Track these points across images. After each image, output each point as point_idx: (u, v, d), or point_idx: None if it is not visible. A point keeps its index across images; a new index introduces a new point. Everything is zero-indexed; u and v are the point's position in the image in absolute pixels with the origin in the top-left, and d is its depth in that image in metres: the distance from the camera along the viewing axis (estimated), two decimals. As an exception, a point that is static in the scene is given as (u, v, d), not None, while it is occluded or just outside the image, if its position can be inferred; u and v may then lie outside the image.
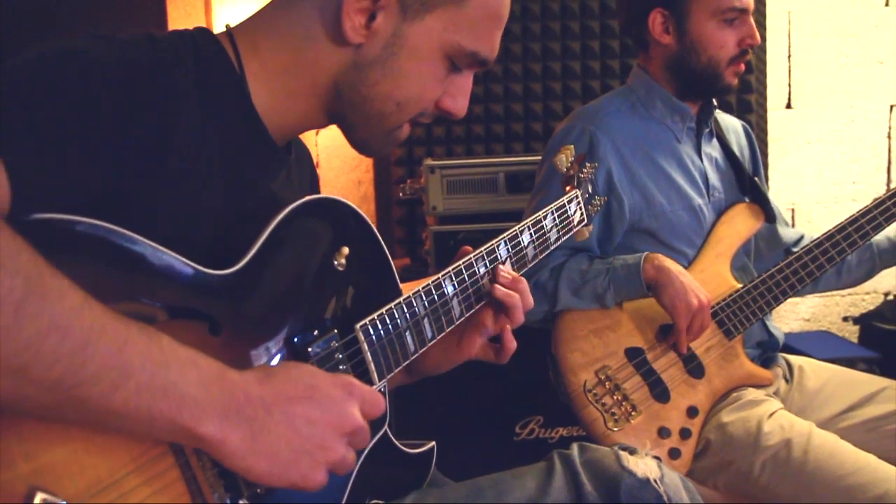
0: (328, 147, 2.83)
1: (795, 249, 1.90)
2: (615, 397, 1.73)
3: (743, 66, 1.84)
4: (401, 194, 2.43)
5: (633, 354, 1.76)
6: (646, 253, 1.74)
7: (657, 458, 1.08)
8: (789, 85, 2.75)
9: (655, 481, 1.02)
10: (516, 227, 1.25)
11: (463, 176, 2.35)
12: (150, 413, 0.70)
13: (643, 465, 1.03)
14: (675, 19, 1.80)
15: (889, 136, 2.78)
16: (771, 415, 1.74)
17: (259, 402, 0.77)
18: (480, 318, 1.15)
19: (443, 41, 0.98)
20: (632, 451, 1.06)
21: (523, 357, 2.06)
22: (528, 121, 2.67)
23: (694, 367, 1.79)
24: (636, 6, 1.85)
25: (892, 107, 2.77)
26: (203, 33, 0.98)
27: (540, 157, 2.34)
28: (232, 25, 1.02)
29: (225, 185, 0.93)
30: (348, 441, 0.83)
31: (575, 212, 1.39)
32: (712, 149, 1.95)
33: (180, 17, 2.83)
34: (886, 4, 2.74)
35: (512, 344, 1.16)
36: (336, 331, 0.95)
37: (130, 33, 0.91)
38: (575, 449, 1.09)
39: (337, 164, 2.84)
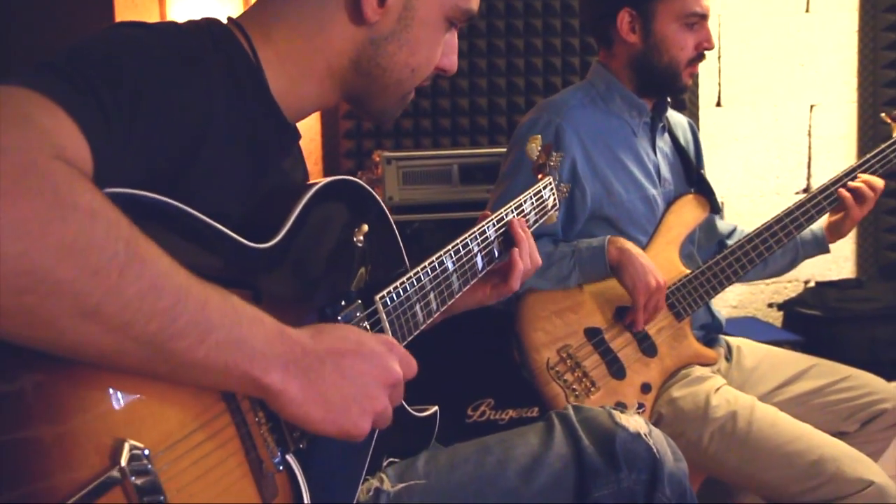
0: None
1: (730, 242, 2.04)
2: (576, 374, 1.84)
3: (697, 68, 1.98)
4: (359, 185, 2.48)
5: (592, 334, 1.87)
6: (609, 236, 1.86)
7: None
8: (719, 84, 2.92)
9: (645, 435, 1.12)
10: (502, 210, 1.34)
11: (418, 167, 2.42)
12: (226, 365, 0.76)
13: (634, 422, 1.13)
14: (641, 20, 1.92)
15: (809, 134, 2.97)
16: (717, 390, 1.87)
17: (314, 354, 0.84)
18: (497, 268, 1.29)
19: (444, 5, 1.07)
20: (621, 410, 1.16)
21: (477, 338, 2.16)
22: (493, 114, 2.76)
23: (647, 347, 1.91)
24: (605, 5, 1.96)
25: (812, 107, 2.96)
26: (215, 24, 1.03)
27: (492, 150, 2.45)
28: (202, 17, 1.05)
29: (250, 164, 0.99)
30: (391, 390, 0.90)
31: (549, 197, 1.48)
32: (664, 143, 2.08)
33: (127, 7, 2.82)
34: (807, 10, 2.94)
35: (514, 286, 1.31)
36: (360, 301, 1.02)
37: (160, 22, 0.96)
38: (570, 409, 1.18)
39: (287, 155, 2.87)
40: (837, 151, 2.98)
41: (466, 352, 2.30)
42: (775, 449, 1.76)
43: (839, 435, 1.92)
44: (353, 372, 0.86)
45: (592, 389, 1.84)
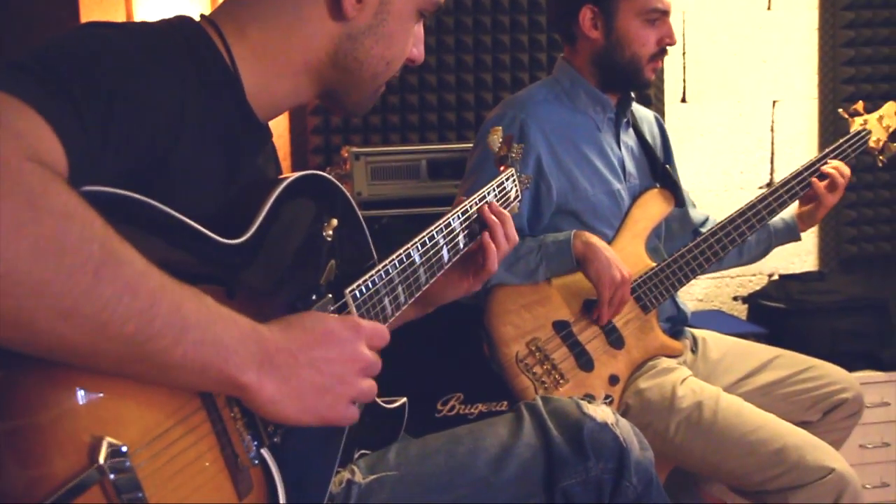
0: (246, 134, 2.85)
1: (703, 230, 2.08)
2: (545, 367, 1.86)
3: (660, 63, 2.01)
4: (328, 180, 2.48)
5: (561, 327, 1.89)
6: (574, 230, 1.88)
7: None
8: (684, 81, 2.96)
9: (612, 425, 1.15)
10: (466, 202, 1.35)
11: (387, 163, 2.43)
12: (203, 365, 0.77)
13: (601, 412, 1.16)
14: (603, 16, 1.94)
15: (772, 130, 3.02)
16: (683, 381, 1.91)
17: (287, 351, 0.85)
18: (472, 255, 1.32)
19: None
20: (589, 400, 1.18)
21: (446, 334, 2.17)
22: (460, 110, 2.77)
23: (615, 339, 1.94)
24: (568, 2, 1.98)
25: (774, 102, 3.01)
26: (188, 22, 1.03)
27: (459, 146, 2.46)
28: (174, 15, 1.05)
29: (223, 162, 1.00)
30: (364, 374, 0.92)
31: (511, 188, 1.50)
32: (629, 138, 2.11)
33: (93, 3, 2.79)
34: (769, 8, 2.98)
35: (493, 268, 1.33)
36: (330, 295, 1.03)
37: (132, 22, 0.96)
38: (539, 400, 1.20)
39: (255, 151, 2.86)
40: (799, 146, 3.03)
41: (436, 347, 2.32)
42: (740, 438, 1.79)
43: (802, 424, 1.96)
44: (325, 362, 0.88)
45: (561, 382, 1.86)
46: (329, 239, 1.05)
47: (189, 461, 0.80)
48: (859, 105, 2.22)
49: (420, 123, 2.78)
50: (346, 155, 2.43)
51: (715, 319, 2.78)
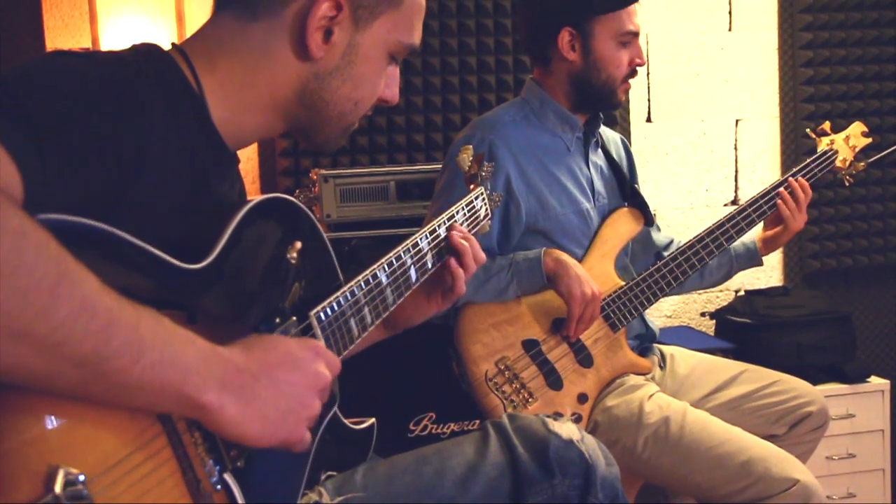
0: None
1: (666, 253, 2.10)
2: (514, 385, 1.87)
3: (630, 85, 2.04)
4: (296, 203, 2.48)
5: (530, 346, 1.91)
6: (544, 248, 1.90)
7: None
8: (649, 101, 3.00)
9: (578, 441, 1.16)
10: (434, 222, 1.36)
11: (355, 184, 2.44)
12: (161, 385, 0.77)
13: (566, 429, 1.17)
14: (581, 38, 1.97)
15: (736, 148, 3.07)
16: (650, 397, 1.93)
17: (248, 372, 0.86)
18: (440, 276, 1.32)
19: (388, 41, 1.10)
20: (555, 418, 1.19)
21: (417, 353, 2.18)
22: (429, 131, 2.79)
23: (583, 358, 1.95)
24: (546, 24, 2.01)
25: (737, 121, 3.06)
26: (155, 51, 1.03)
27: (427, 167, 2.48)
28: (143, 42, 1.06)
29: (187, 189, 1.00)
30: (321, 395, 0.93)
31: (481, 207, 1.52)
32: (598, 158, 2.13)
33: (58, 27, 2.78)
34: (730, 29, 3.04)
35: (461, 290, 1.35)
36: (294, 318, 1.03)
37: (97, 51, 0.97)
38: (505, 418, 1.21)
39: (223, 174, 2.86)
40: (762, 164, 3.08)
41: (408, 367, 2.32)
42: (706, 452, 1.81)
43: (769, 438, 1.99)
44: (286, 383, 0.89)
45: (530, 400, 1.87)
46: (293, 261, 1.05)
47: (149, 487, 0.80)
48: (826, 125, 2.26)
49: (388, 145, 2.80)
50: (315, 177, 2.44)
51: (683, 335, 2.81)
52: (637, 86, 2.96)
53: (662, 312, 3.04)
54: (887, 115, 3.07)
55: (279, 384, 0.88)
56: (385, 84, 1.14)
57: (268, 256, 1.03)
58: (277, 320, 1.01)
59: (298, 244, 1.06)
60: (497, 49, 2.81)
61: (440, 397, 2.40)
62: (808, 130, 2.33)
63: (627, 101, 2.94)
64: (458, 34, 2.79)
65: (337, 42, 1.06)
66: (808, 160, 2.20)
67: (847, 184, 2.29)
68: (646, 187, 2.30)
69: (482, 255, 1.38)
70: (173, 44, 1.06)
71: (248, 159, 2.81)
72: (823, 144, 2.24)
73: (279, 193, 1.07)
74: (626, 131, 2.93)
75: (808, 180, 2.14)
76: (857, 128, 2.25)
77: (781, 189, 2.10)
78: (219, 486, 0.90)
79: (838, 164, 2.22)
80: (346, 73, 1.08)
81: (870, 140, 2.25)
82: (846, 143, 2.23)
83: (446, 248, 1.34)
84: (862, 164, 2.24)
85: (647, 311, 2.11)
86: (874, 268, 3.11)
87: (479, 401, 1.87)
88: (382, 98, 1.15)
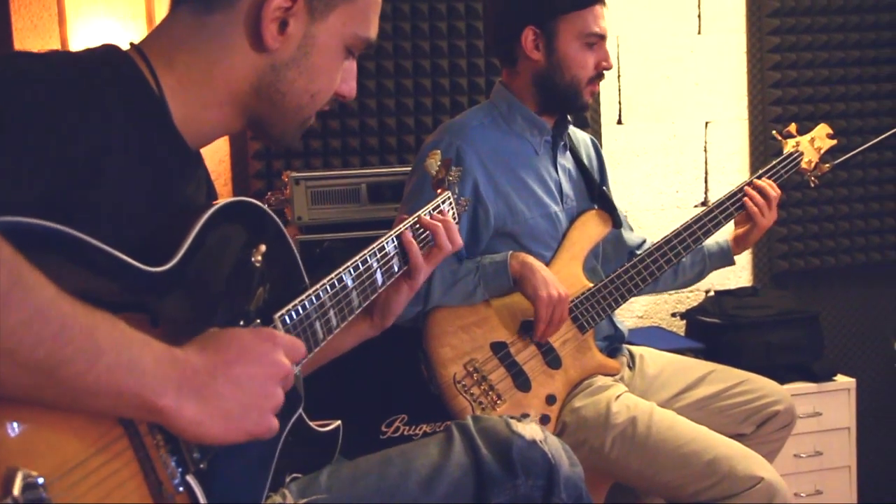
0: (186, 160, 2.84)
1: (639, 252, 2.13)
2: (482, 387, 1.89)
3: (597, 88, 2.06)
4: (266, 206, 2.48)
5: (498, 348, 1.92)
6: (511, 251, 1.91)
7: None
8: (619, 103, 3.03)
9: (541, 442, 1.17)
10: (401, 226, 1.38)
11: (327, 187, 2.44)
12: (118, 389, 0.77)
13: (530, 430, 1.18)
14: (545, 37, 1.98)
15: (706, 150, 3.10)
16: (618, 397, 1.94)
17: (205, 371, 0.86)
18: (415, 263, 1.36)
19: (344, 34, 1.11)
20: (519, 419, 1.21)
21: (389, 356, 2.19)
22: (401, 134, 2.80)
23: (552, 359, 1.97)
24: (510, 23, 2.02)
25: (707, 123, 3.10)
26: (114, 51, 1.04)
27: (399, 169, 2.49)
28: (102, 43, 1.06)
29: (150, 191, 1.01)
30: (283, 383, 0.94)
31: (448, 211, 1.53)
32: (566, 160, 2.15)
33: (27, 28, 2.76)
34: (699, 33, 3.07)
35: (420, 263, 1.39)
36: (259, 321, 1.04)
37: (55, 52, 0.97)
38: (469, 419, 1.23)
39: (195, 177, 2.85)
40: (731, 166, 3.12)
41: (379, 369, 2.33)
42: (673, 451, 1.84)
43: (737, 437, 2.01)
44: (246, 377, 0.89)
45: (499, 402, 1.89)
46: (257, 265, 1.06)
47: (110, 490, 0.80)
48: (792, 127, 2.30)
49: (361, 147, 2.80)
50: (287, 179, 2.44)
51: (654, 336, 2.83)
52: (608, 88, 2.98)
53: (634, 313, 3.06)
54: (853, 117, 3.12)
55: (238, 379, 0.88)
56: (342, 78, 1.15)
57: (232, 260, 1.04)
58: (241, 323, 1.02)
59: (263, 247, 1.07)
60: (469, 52, 2.83)
61: (412, 399, 2.40)
62: (774, 133, 2.37)
63: (598, 103, 2.97)
64: (430, 37, 2.80)
65: (292, 33, 1.06)
66: (775, 161, 2.23)
67: (813, 185, 2.33)
68: (617, 189, 2.32)
69: (459, 241, 1.43)
70: (131, 43, 1.07)
71: (221, 162, 2.81)
72: (789, 146, 2.27)
73: (244, 197, 1.08)
74: (597, 133, 2.95)
75: (774, 181, 2.17)
76: (822, 130, 2.28)
77: (748, 188, 2.13)
78: (181, 488, 0.90)
79: (804, 165, 2.26)
80: (302, 64, 1.08)
81: (835, 142, 2.29)
82: (811, 144, 2.27)
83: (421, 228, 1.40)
84: (827, 165, 2.28)
85: (619, 311, 2.13)
86: (841, 268, 3.15)
87: (448, 403, 1.88)
88: (339, 92, 1.16)
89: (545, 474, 1.17)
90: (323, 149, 2.79)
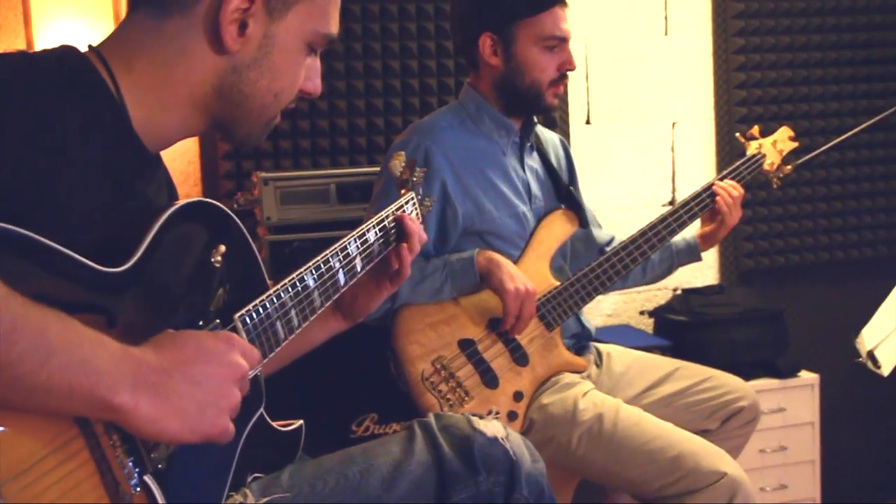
0: (154, 161, 2.82)
1: (607, 249, 2.15)
2: (450, 384, 1.90)
3: (561, 89, 2.07)
4: (235, 206, 2.48)
5: (466, 345, 1.93)
6: (478, 249, 1.93)
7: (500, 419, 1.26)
8: (588, 104, 3.05)
9: (502, 439, 1.19)
10: (363, 227, 1.38)
11: (296, 187, 2.44)
12: (70, 387, 0.78)
13: (491, 427, 1.20)
14: (502, 43, 2.00)
15: (673, 150, 3.14)
16: (585, 394, 1.96)
17: (160, 369, 0.86)
18: (386, 261, 1.39)
19: (304, 32, 1.11)
20: (481, 417, 1.22)
21: (358, 355, 2.19)
22: (371, 134, 2.81)
23: (519, 357, 1.99)
24: (468, 29, 2.03)
25: (674, 124, 3.13)
26: (71, 53, 1.03)
27: (368, 169, 2.49)
28: (90, 44, 1.07)
29: (108, 192, 1.00)
30: (240, 385, 0.94)
31: (411, 212, 1.54)
32: (533, 161, 2.17)
33: (-9, 28, 2.74)
34: (666, 34, 3.11)
35: (408, 271, 1.43)
36: (219, 321, 1.04)
37: (9, 54, 0.97)
38: (431, 417, 1.24)
39: (163, 177, 2.84)
40: (698, 166, 3.15)
41: (349, 368, 2.33)
42: (639, 447, 1.86)
43: (702, 432, 2.04)
44: (202, 377, 0.89)
45: (466, 399, 1.90)
46: (217, 265, 1.07)
47: (66, 490, 0.81)
48: (755, 129, 2.34)
49: (331, 148, 2.80)
50: (256, 180, 2.44)
51: (623, 334, 2.86)
52: (576, 89, 3.01)
53: (603, 311, 3.09)
54: (815, 118, 3.16)
55: (194, 378, 0.89)
56: (306, 76, 1.15)
57: (191, 260, 1.04)
58: (201, 323, 1.02)
59: (223, 248, 1.07)
60: (438, 53, 2.84)
61: (382, 398, 2.41)
62: (737, 135, 2.40)
63: (567, 103, 2.99)
64: (399, 38, 2.81)
65: (252, 34, 1.06)
66: (738, 163, 2.27)
67: (775, 186, 2.37)
68: (585, 189, 2.34)
69: (423, 235, 1.45)
70: (90, 45, 1.06)
71: (190, 162, 2.80)
72: (752, 148, 2.31)
73: (203, 197, 1.08)
74: (565, 133, 2.97)
75: (737, 183, 2.21)
76: (784, 132, 2.32)
77: (716, 186, 2.16)
78: (138, 489, 0.90)
79: (766, 167, 2.29)
80: (263, 65, 1.08)
81: (797, 144, 2.32)
82: (774, 147, 2.31)
83: (398, 233, 1.41)
84: (789, 167, 2.32)
85: (588, 309, 2.15)
86: (805, 265, 3.20)
87: (416, 400, 1.89)
88: (304, 90, 1.16)
89: (507, 471, 1.18)
90: (293, 149, 2.79)
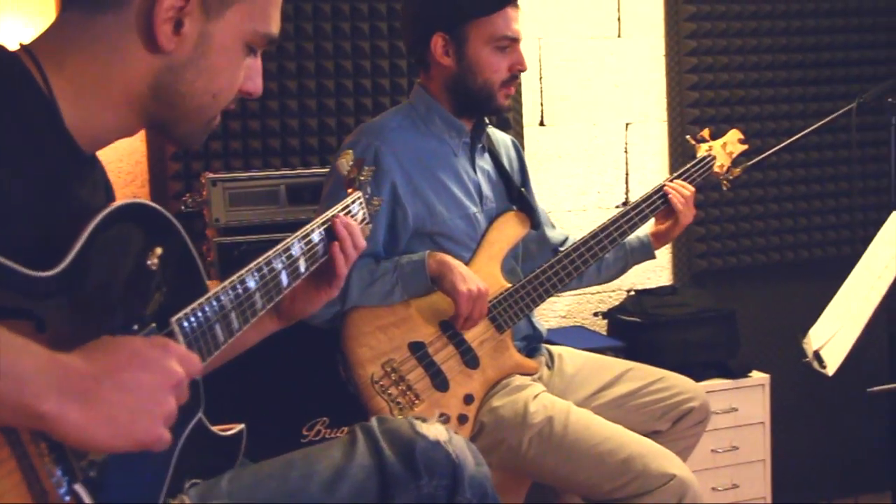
0: (103, 163, 2.77)
1: (561, 249, 2.15)
2: (400, 388, 1.89)
3: (513, 89, 2.07)
4: (182, 207, 2.44)
5: (416, 348, 1.92)
6: (429, 251, 1.92)
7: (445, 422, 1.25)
8: (541, 105, 3.06)
9: (445, 442, 1.18)
10: (307, 227, 1.37)
11: (245, 188, 2.41)
12: None
13: (434, 430, 1.19)
14: (454, 44, 1.99)
15: (626, 151, 3.16)
16: (535, 397, 1.96)
17: (90, 376, 0.83)
18: (327, 264, 1.37)
19: (243, 31, 1.09)
20: (424, 420, 1.21)
21: (309, 358, 2.17)
22: (322, 135, 2.78)
23: (470, 359, 1.98)
24: (420, 29, 2.02)
25: (627, 125, 3.15)
26: (0, 52, 1.01)
27: (319, 170, 2.47)
28: (21, 42, 1.04)
29: (38, 193, 0.97)
30: (175, 392, 0.91)
31: (358, 212, 1.52)
32: (485, 162, 2.16)
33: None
34: (619, 36, 3.13)
35: (343, 271, 1.40)
36: (154, 325, 1.02)
37: None
38: (374, 421, 1.22)
39: (111, 179, 2.78)
40: (652, 166, 3.17)
41: (300, 372, 2.31)
42: (588, 450, 1.86)
43: (653, 433, 2.06)
44: (134, 384, 0.86)
45: (416, 402, 1.89)
46: (153, 268, 1.04)
47: (-11, 501, 0.78)
48: (705, 132, 2.36)
49: (282, 148, 2.77)
50: (204, 181, 2.40)
51: (576, 335, 2.87)
52: (530, 90, 3.01)
53: (557, 313, 3.09)
54: (767, 119, 3.20)
55: (126, 385, 0.86)
56: (246, 76, 1.13)
57: (126, 263, 1.01)
58: (136, 327, 1.00)
59: (159, 250, 1.05)
60: (391, 53, 2.82)
61: (333, 402, 2.39)
62: (687, 137, 2.42)
63: (521, 105, 2.99)
64: (351, 38, 2.79)
65: (188, 33, 1.04)
66: (688, 165, 2.29)
67: (725, 188, 2.39)
68: (539, 190, 2.34)
69: (362, 242, 1.43)
70: (21, 44, 1.03)
71: (138, 163, 2.74)
72: (702, 151, 2.33)
73: (139, 199, 1.06)
74: (519, 135, 2.97)
75: (689, 183, 2.23)
76: (733, 135, 2.35)
77: (667, 186, 2.18)
78: (68, 498, 0.87)
79: (716, 169, 2.32)
80: (200, 65, 1.06)
81: (746, 147, 2.35)
82: (724, 149, 2.33)
83: (327, 236, 1.39)
84: (738, 169, 2.34)
85: (542, 310, 2.15)
86: (757, 266, 3.24)
87: (366, 403, 1.87)
88: (244, 90, 1.14)
89: (449, 474, 1.17)
90: (243, 150, 2.75)
